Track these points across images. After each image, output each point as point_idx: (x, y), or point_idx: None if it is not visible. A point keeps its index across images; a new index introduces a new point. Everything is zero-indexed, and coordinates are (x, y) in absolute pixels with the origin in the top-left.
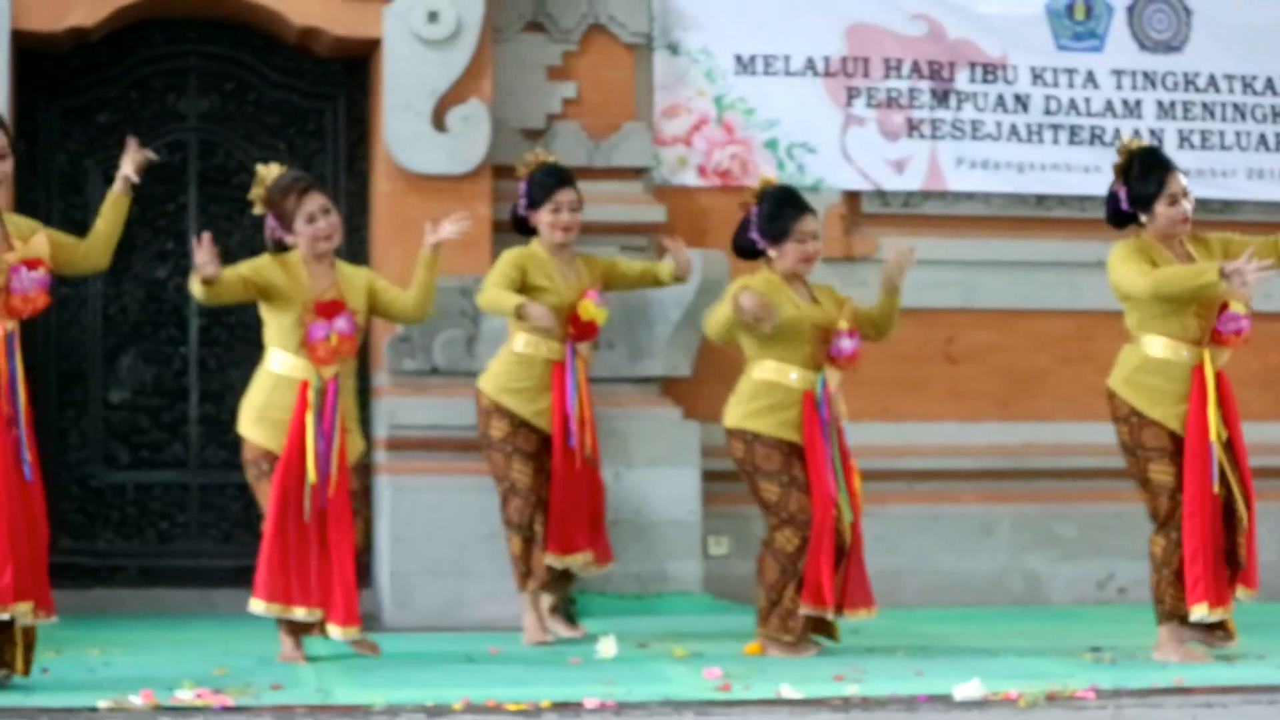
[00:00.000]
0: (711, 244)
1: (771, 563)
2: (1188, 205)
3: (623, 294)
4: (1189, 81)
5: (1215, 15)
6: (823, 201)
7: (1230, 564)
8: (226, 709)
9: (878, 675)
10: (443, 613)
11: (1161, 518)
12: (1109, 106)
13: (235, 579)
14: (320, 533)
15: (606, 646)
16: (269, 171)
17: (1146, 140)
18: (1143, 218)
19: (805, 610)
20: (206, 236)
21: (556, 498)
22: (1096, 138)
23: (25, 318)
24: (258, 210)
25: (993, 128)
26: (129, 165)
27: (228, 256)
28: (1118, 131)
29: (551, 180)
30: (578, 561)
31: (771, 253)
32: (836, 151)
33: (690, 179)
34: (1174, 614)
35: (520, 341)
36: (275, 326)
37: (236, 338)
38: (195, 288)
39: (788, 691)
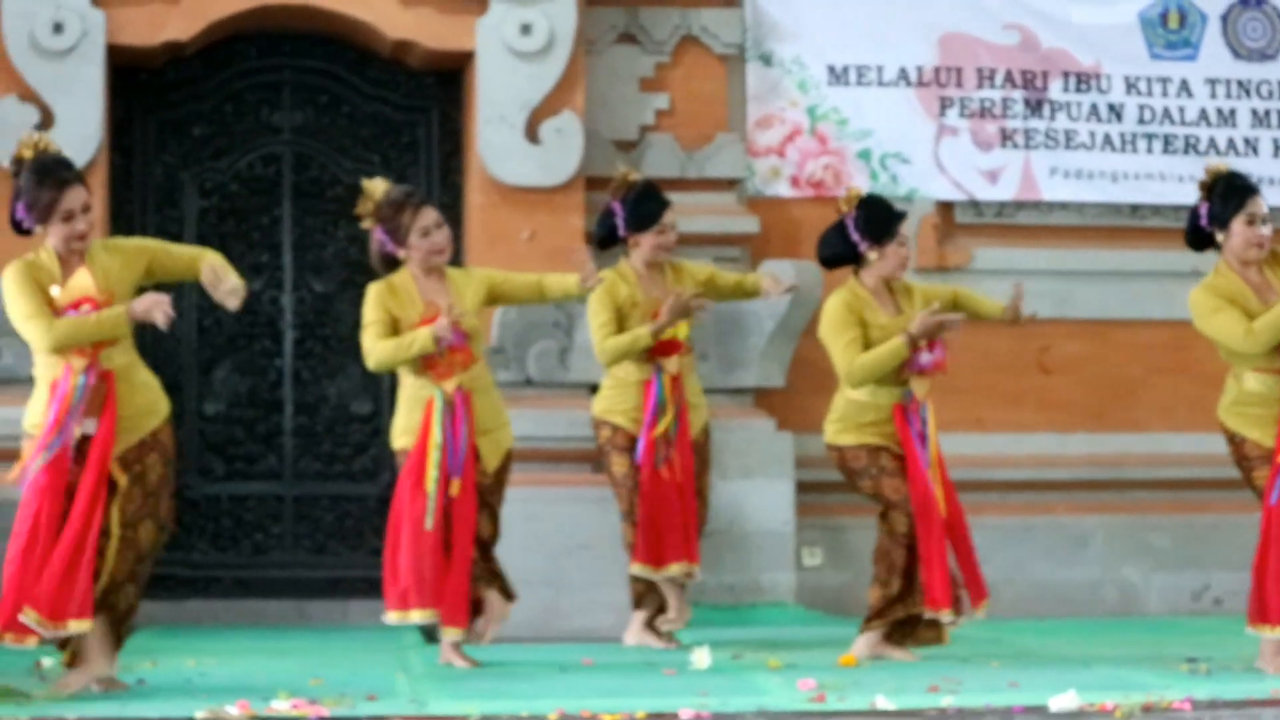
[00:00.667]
0: (804, 255)
1: (896, 548)
2: (1265, 230)
3: (717, 307)
4: None
5: None
6: (916, 212)
7: None
8: (322, 719)
9: (973, 686)
10: (536, 623)
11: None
12: (1203, 115)
13: (329, 590)
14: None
15: (701, 657)
16: (376, 186)
17: (1241, 149)
18: (1219, 237)
19: (943, 616)
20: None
21: (644, 512)
22: (1191, 147)
23: (94, 355)
24: (366, 225)
25: (1086, 137)
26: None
27: (321, 268)
28: (1212, 140)
29: (656, 205)
30: (671, 573)
31: (872, 255)
32: (930, 162)
33: (783, 190)
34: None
35: (615, 366)
36: None
37: (330, 350)
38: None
39: (882, 702)
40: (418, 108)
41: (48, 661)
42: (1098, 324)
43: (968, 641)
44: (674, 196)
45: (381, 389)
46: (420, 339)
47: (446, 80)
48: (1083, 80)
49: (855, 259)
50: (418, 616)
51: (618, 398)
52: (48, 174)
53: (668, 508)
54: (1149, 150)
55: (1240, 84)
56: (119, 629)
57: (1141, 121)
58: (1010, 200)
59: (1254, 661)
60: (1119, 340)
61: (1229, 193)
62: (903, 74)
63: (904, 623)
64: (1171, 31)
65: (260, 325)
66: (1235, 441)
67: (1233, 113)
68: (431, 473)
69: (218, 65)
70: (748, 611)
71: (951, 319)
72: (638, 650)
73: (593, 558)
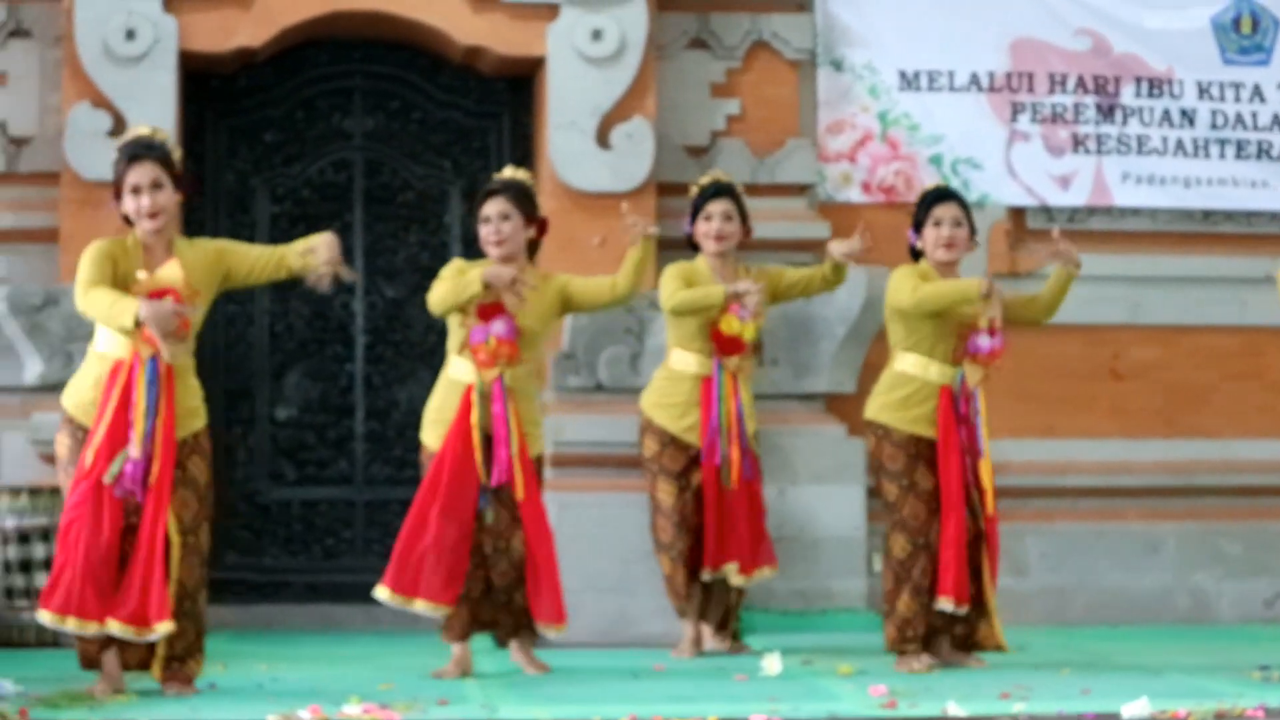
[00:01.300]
0: (876, 260)
1: (888, 571)
2: None
3: (787, 311)
4: None
5: None
6: (988, 217)
7: None
8: None
9: (1044, 693)
10: (606, 629)
11: None
12: (1275, 120)
13: None
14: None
15: (771, 663)
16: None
17: None
18: None
19: (943, 604)
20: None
21: (709, 516)
22: (1264, 152)
23: (157, 349)
24: None
25: (1159, 143)
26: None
27: (392, 274)
28: None
29: (706, 192)
30: (726, 572)
31: (919, 244)
32: (1001, 167)
33: (854, 195)
34: None
35: (674, 357)
36: (452, 332)
37: (402, 355)
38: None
39: (954, 709)
40: (489, 113)
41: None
42: (1169, 330)
43: (1039, 649)
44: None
45: None
46: (472, 280)
47: (517, 86)
48: (1155, 85)
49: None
50: (422, 607)
51: (668, 390)
52: (124, 149)
53: (729, 512)
54: (1221, 156)
55: None
56: (199, 634)
57: (1214, 127)
58: (1082, 206)
59: None
60: (1190, 346)
61: None
62: (974, 79)
63: (968, 633)
64: (1244, 36)
65: (332, 330)
66: None
67: None
68: (478, 456)
69: (289, 71)
70: (818, 617)
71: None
72: (708, 656)
73: None
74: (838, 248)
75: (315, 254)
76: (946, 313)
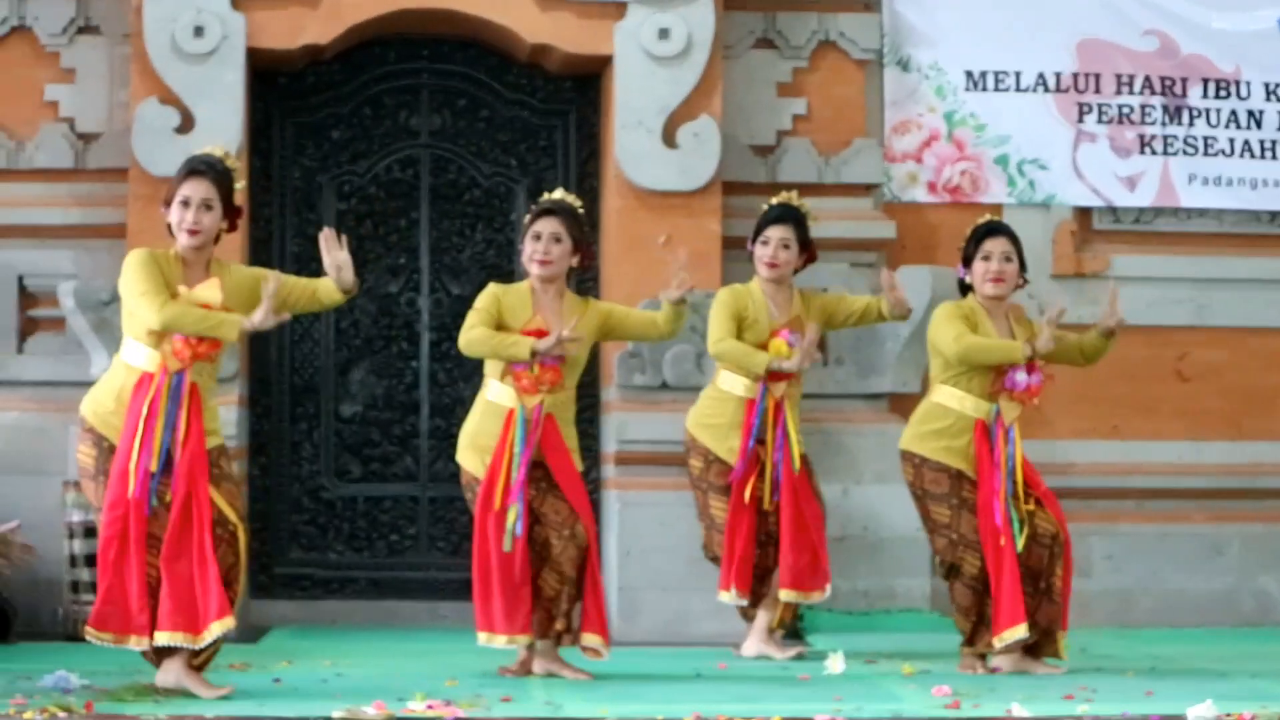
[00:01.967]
0: (941, 261)
1: (963, 588)
2: None
3: None
4: None
5: None
6: (1054, 218)
7: None
8: None
9: (1108, 695)
10: (669, 628)
11: None
12: None
13: (464, 592)
14: (527, 559)
15: (835, 663)
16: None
17: None
18: None
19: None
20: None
21: (737, 539)
22: None
23: (188, 364)
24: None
25: (1225, 144)
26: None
27: (458, 271)
28: None
29: (768, 215)
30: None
31: (967, 278)
32: (1068, 168)
33: (920, 195)
34: None
35: (721, 377)
36: None
37: None
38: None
39: (1018, 710)
40: (555, 112)
41: None
42: (1235, 331)
43: (1102, 650)
44: (810, 201)
45: None
46: (521, 344)
47: (584, 84)
48: (1222, 86)
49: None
50: (503, 643)
51: (713, 410)
52: (185, 163)
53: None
54: None
55: None
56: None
57: None
58: (1148, 207)
59: None
60: (1257, 348)
61: None
62: (1041, 80)
63: (1037, 641)
64: None
65: (397, 328)
66: None
67: None
68: (509, 486)
69: (357, 69)
70: (882, 617)
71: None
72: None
73: None
74: (887, 307)
75: (343, 272)
76: None
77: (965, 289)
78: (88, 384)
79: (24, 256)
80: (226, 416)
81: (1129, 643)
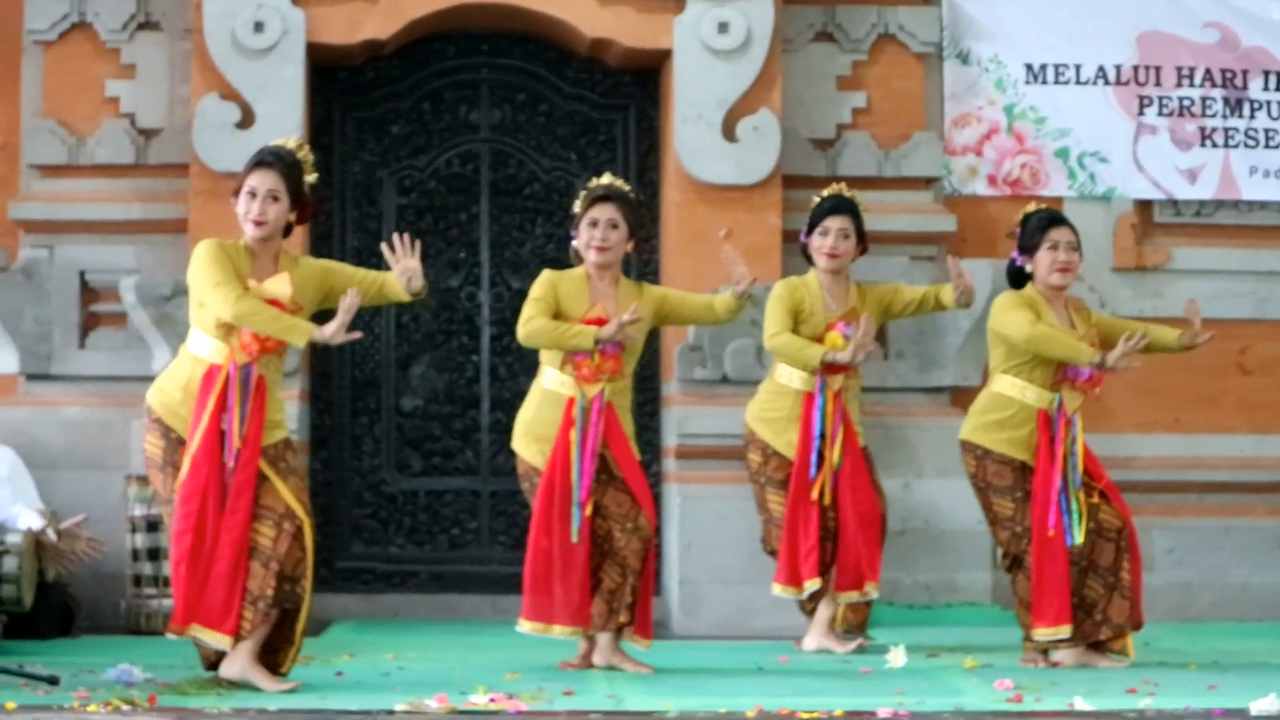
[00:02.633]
0: (1001, 254)
1: (1026, 581)
2: None
3: None
4: None
5: None
6: (1114, 211)
7: None
8: (520, 714)
9: (1171, 689)
10: (731, 621)
11: None
12: None
13: None
14: (588, 550)
15: (896, 656)
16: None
17: None
18: None
19: (1041, 636)
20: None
21: (789, 530)
22: None
23: (256, 357)
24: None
25: None
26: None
27: (518, 265)
28: None
29: (824, 205)
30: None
31: (1028, 267)
32: (1128, 160)
33: (980, 188)
34: None
35: (779, 371)
36: None
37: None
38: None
39: (1080, 704)
40: (615, 106)
41: None
42: None
43: (1165, 645)
44: (870, 195)
45: None
46: (584, 334)
47: (644, 78)
48: None
49: (1022, 276)
50: (561, 633)
51: (771, 404)
52: (259, 151)
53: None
54: None
55: None
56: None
57: None
58: (1209, 199)
59: None
60: None
61: None
62: (1101, 72)
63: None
64: None
65: (458, 322)
66: None
67: None
68: (574, 479)
69: (416, 64)
70: (943, 611)
71: (1135, 364)
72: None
73: None
74: (948, 295)
75: (413, 281)
76: None
77: (1017, 277)
78: (149, 379)
79: (86, 252)
80: (288, 411)
81: (1191, 637)
